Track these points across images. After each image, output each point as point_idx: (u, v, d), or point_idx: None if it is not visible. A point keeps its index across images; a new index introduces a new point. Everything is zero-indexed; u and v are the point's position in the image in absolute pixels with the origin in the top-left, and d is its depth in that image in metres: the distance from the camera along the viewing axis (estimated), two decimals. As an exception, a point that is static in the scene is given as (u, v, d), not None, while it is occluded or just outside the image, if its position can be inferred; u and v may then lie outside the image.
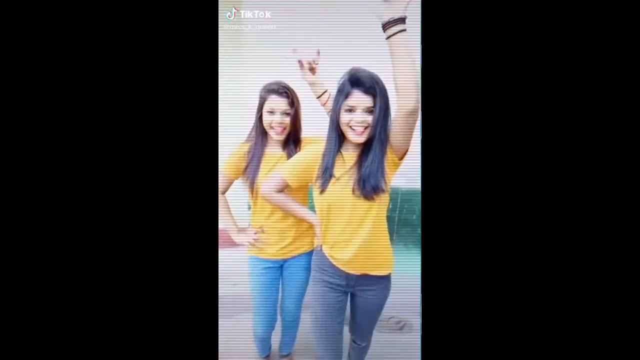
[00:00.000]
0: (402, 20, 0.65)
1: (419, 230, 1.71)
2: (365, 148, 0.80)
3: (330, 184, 0.82)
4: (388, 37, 0.66)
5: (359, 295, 0.92)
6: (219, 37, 0.59)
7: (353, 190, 0.80)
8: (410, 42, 0.66)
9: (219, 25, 0.60)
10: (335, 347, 0.95)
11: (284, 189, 0.92)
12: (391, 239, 0.89)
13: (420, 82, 0.66)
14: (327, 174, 0.82)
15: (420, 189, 0.61)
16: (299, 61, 0.98)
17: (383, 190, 0.79)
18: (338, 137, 0.81)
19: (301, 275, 1.04)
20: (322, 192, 0.83)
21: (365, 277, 0.88)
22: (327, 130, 0.84)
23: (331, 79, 0.80)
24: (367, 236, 0.83)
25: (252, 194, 0.99)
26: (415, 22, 0.65)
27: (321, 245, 0.90)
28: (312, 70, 0.99)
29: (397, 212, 1.70)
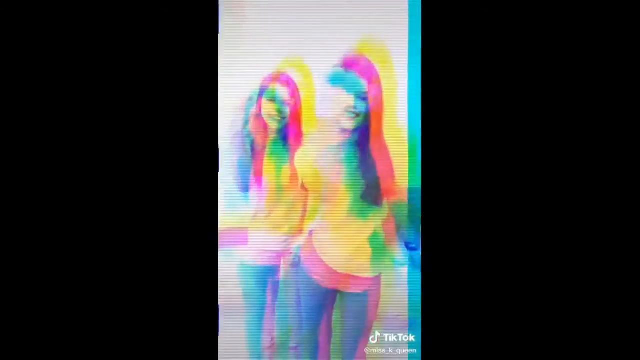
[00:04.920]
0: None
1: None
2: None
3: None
4: None
5: (342, 296, 0.89)
6: (219, 36, 0.59)
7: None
8: None
9: (220, 23, 0.59)
10: (312, 345, 0.94)
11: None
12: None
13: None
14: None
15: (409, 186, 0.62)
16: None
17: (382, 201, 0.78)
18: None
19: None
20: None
21: (350, 277, 0.86)
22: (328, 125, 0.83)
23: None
24: (357, 236, 0.82)
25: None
26: (415, 20, 0.64)
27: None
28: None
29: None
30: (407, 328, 0.58)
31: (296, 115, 0.96)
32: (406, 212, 0.62)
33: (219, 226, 0.61)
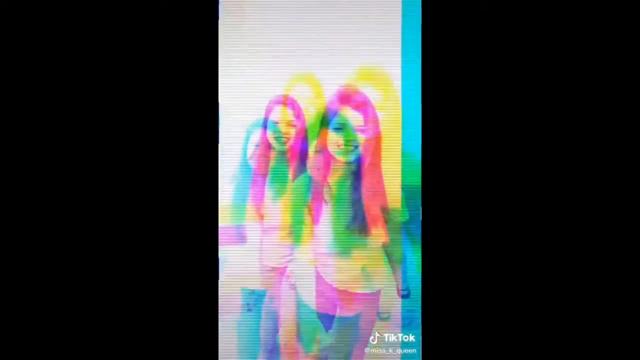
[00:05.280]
0: None
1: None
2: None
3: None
4: None
5: (339, 311, 0.89)
6: (219, 35, 0.59)
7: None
8: None
9: (219, 23, 0.59)
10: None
11: None
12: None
13: None
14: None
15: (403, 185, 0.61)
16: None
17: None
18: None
19: None
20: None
21: (348, 293, 0.86)
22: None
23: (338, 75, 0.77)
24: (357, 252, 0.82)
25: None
26: (415, 20, 0.64)
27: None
28: None
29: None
30: (406, 328, 0.59)
31: (301, 137, 0.96)
32: (400, 238, 0.61)
33: (219, 224, 0.61)
